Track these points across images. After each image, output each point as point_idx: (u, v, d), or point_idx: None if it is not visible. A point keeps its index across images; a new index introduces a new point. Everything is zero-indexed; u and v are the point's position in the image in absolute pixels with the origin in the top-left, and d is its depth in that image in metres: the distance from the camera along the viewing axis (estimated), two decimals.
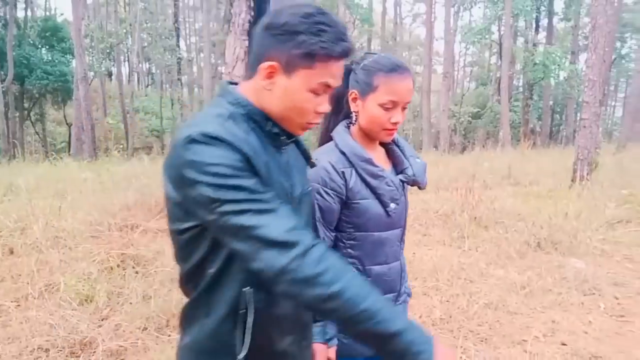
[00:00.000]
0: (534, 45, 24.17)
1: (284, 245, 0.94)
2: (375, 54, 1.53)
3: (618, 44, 29.61)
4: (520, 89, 27.34)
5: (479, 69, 36.21)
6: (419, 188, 1.60)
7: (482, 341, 3.31)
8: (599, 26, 8.35)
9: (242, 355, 1.05)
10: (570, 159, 9.01)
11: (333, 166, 1.45)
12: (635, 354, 3.17)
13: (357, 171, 1.46)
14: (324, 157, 1.47)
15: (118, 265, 4.16)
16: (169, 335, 3.24)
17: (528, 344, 3.22)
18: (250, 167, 1.00)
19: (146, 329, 3.30)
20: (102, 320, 3.37)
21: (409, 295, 1.69)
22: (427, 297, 3.95)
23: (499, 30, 25.43)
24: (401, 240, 1.62)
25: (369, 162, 1.47)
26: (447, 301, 3.90)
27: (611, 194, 7.46)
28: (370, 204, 1.47)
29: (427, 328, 3.44)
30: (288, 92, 1.06)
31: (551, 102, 27.06)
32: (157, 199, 5.76)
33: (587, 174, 8.54)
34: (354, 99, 1.50)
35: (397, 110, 1.45)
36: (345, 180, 1.45)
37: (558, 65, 21.15)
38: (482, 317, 3.62)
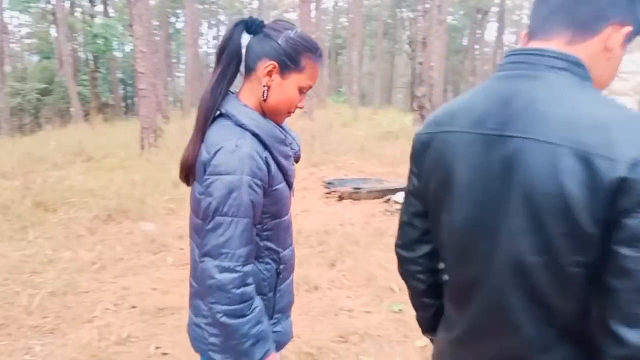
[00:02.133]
0: (92, 17, 23.62)
1: None
2: (291, 24, 1.33)
3: (173, 19, 32.28)
4: (90, 62, 26.44)
5: (40, 40, 32.91)
6: (296, 162, 1.48)
7: (49, 333, 3.07)
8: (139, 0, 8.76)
9: None
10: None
11: (257, 152, 1.24)
12: None
13: (272, 154, 1.29)
14: (233, 140, 1.22)
15: None
16: None
17: (97, 319, 3.19)
18: None
19: None
20: None
21: None
22: None
23: None
24: None
25: (284, 142, 1.34)
26: (7, 303, 3.42)
27: (177, 156, 8.13)
28: (283, 188, 1.36)
29: None
30: (615, 64, 0.90)
31: (122, 75, 27.44)
32: None
33: (154, 141, 9.08)
34: (270, 73, 1.28)
35: (305, 95, 1.36)
36: (268, 167, 1.27)
37: (119, 37, 21.38)
38: (48, 308, 3.34)
